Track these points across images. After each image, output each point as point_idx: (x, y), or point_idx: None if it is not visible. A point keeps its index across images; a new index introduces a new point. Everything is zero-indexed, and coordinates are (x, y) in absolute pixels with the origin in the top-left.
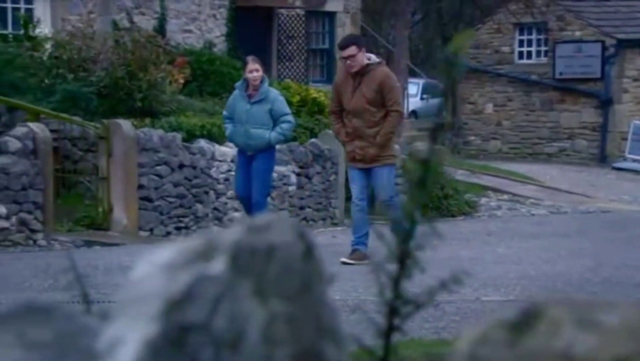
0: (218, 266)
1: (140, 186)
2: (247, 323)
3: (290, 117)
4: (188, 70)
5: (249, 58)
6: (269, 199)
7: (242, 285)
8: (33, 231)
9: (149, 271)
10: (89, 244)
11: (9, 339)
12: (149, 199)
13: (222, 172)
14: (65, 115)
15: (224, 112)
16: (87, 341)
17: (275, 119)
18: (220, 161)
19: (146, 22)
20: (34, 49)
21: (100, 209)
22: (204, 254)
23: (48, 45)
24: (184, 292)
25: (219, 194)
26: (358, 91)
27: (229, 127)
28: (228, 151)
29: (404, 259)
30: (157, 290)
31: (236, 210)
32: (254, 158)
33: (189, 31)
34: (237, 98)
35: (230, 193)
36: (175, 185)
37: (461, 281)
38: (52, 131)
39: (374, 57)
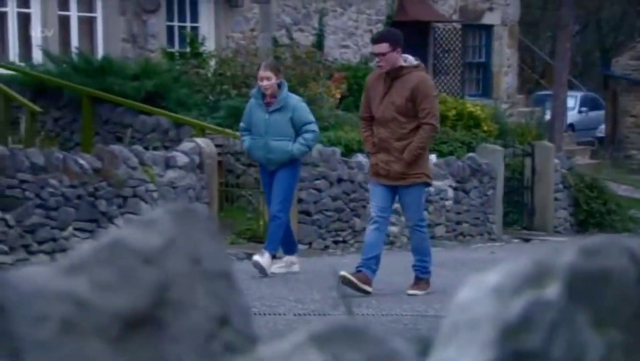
0: (553, 291)
1: (300, 200)
2: (585, 352)
3: (314, 126)
4: (345, 85)
5: (262, 64)
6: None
7: (577, 312)
8: None
9: (477, 295)
10: (250, 257)
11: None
12: (308, 213)
13: None
14: (229, 130)
15: (241, 124)
16: None
17: (297, 128)
18: None
19: (305, 39)
20: (200, 66)
21: (261, 223)
22: (536, 279)
23: (212, 62)
24: (519, 318)
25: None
26: (388, 97)
27: (246, 140)
28: None
29: None
30: (490, 315)
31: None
32: (277, 172)
33: (346, 46)
34: (253, 107)
35: None
36: (334, 199)
37: None
38: (216, 145)
39: (410, 59)
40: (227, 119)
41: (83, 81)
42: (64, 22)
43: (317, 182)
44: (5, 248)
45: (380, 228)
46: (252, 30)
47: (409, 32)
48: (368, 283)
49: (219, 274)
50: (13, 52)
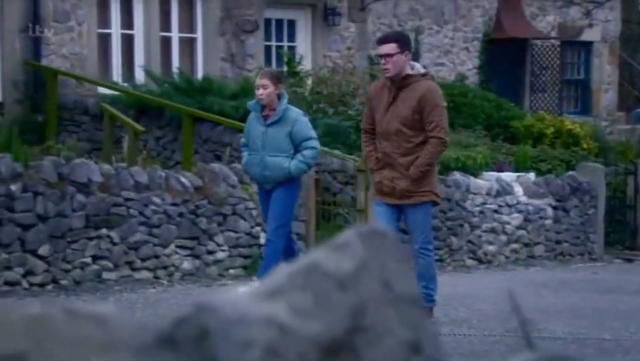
0: None
1: None
2: None
3: (314, 143)
4: None
5: (260, 72)
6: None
7: None
8: None
9: None
10: None
11: None
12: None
13: (477, 205)
14: (326, 148)
15: (242, 139)
16: None
17: (296, 144)
18: (475, 193)
19: None
20: (297, 85)
21: None
22: None
23: (309, 81)
24: None
25: (473, 227)
26: (393, 107)
27: (244, 156)
28: (483, 183)
29: None
30: None
31: (491, 243)
32: (273, 191)
33: (442, 64)
34: (252, 120)
35: (485, 225)
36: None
37: None
38: None
39: (418, 67)
40: (323, 138)
41: (184, 100)
42: (166, 43)
43: None
44: (110, 265)
45: None
46: (349, 48)
47: (507, 50)
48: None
49: (409, 299)
50: (116, 73)
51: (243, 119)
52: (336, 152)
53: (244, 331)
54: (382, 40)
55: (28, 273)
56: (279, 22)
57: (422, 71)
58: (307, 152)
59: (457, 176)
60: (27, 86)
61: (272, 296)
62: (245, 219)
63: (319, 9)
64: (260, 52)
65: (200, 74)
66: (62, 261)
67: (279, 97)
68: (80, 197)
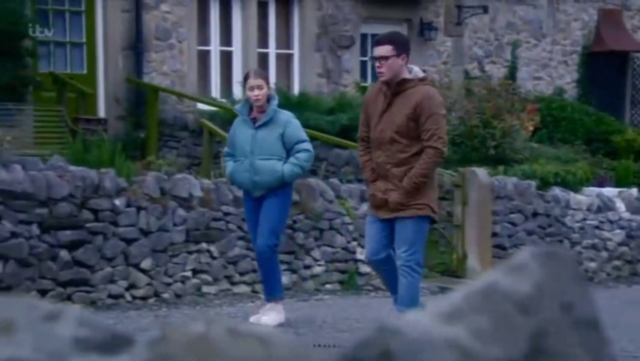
0: None
1: (494, 234)
2: None
3: (307, 145)
4: (537, 117)
5: (250, 72)
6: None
7: None
8: None
9: None
10: (444, 291)
11: None
12: (503, 247)
13: (577, 221)
14: None
15: (225, 149)
16: None
17: (288, 148)
18: (575, 209)
19: (497, 71)
20: None
21: (454, 256)
22: None
23: None
24: None
25: (573, 243)
26: (387, 114)
27: (228, 165)
28: (583, 199)
29: None
30: None
31: (592, 260)
32: (264, 199)
33: (539, 78)
34: (238, 125)
35: (586, 242)
36: (529, 233)
37: None
38: None
39: (416, 71)
40: None
41: None
42: (263, 59)
43: (512, 216)
44: (210, 279)
45: (380, 267)
46: (445, 63)
47: (607, 63)
48: None
49: (591, 323)
50: (215, 89)
51: (339, 134)
52: None
53: (427, 353)
54: (378, 42)
55: (131, 286)
56: (375, 37)
57: (421, 75)
58: (301, 155)
59: (557, 191)
60: (129, 103)
61: (452, 318)
62: (342, 234)
63: (415, 23)
64: (356, 67)
65: (296, 90)
66: (164, 274)
67: (269, 98)
68: (181, 211)
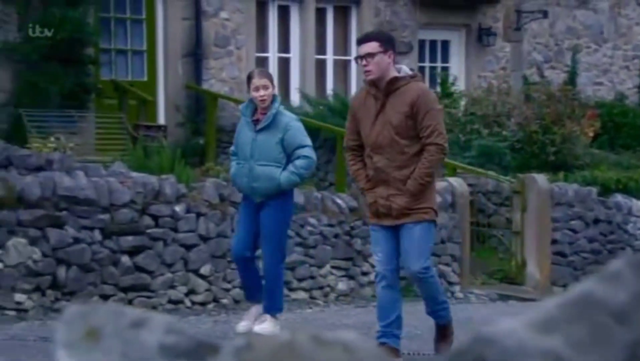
0: None
1: (554, 241)
2: None
3: (308, 151)
4: (598, 123)
5: (255, 71)
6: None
7: None
8: (450, 283)
9: None
10: (503, 298)
11: None
12: (563, 254)
13: (639, 228)
14: (480, 170)
15: (231, 148)
16: None
17: (288, 153)
18: (637, 216)
19: (556, 76)
20: (451, 105)
21: (513, 263)
22: None
23: (463, 102)
24: None
25: (636, 251)
26: (382, 116)
27: (233, 165)
28: None
29: None
30: None
31: None
32: (263, 208)
33: (600, 83)
34: (242, 126)
35: None
36: (590, 240)
37: None
38: (468, 185)
39: (405, 69)
40: (478, 159)
41: (338, 122)
42: (321, 66)
43: (573, 222)
44: None
45: (391, 283)
46: (503, 69)
47: None
48: (396, 354)
49: None
50: None
51: None
52: (491, 173)
53: None
54: (362, 40)
55: (190, 291)
56: (433, 43)
57: (410, 72)
58: (299, 162)
59: (619, 198)
60: (189, 110)
61: (547, 328)
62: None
63: (473, 29)
64: None
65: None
66: (223, 280)
67: (273, 100)
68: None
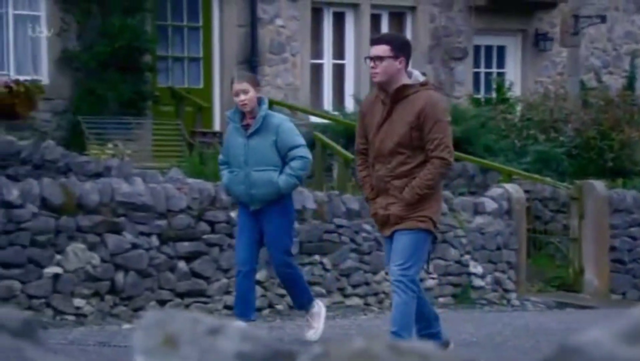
0: None
1: (612, 248)
2: None
3: (302, 150)
4: None
5: (235, 75)
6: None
7: None
8: (506, 290)
9: None
10: (560, 306)
11: None
12: (622, 262)
13: None
14: (536, 176)
15: (220, 157)
16: None
17: (282, 155)
18: None
19: (614, 81)
20: (507, 111)
21: (570, 271)
22: None
23: (519, 107)
24: None
25: None
26: (387, 124)
27: (224, 175)
28: None
29: None
30: None
31: None
32: (263, 215)
33: None
34: (231, 133)
35: None
36: None
37: None
38: (524, 191)
39: (417, 75)
40: (534, 164)
41: None
42: None
43: (632, 229)
44: (323, 291)
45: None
46: (560, 74)
47: None
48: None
49: None
50: (327, 102)
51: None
52: (547, 179)
53: None
54: (374, 41)
55: None
56: (488, 48)
57: (421, 79)
58: (295, 164)
59: None
60: None
61: (636, 338)
62: (455, 247)
63: (530, 34)
64: (469, 79)
65: None
66: (278, 286)
67: (259, 102)
68: (295, 224)
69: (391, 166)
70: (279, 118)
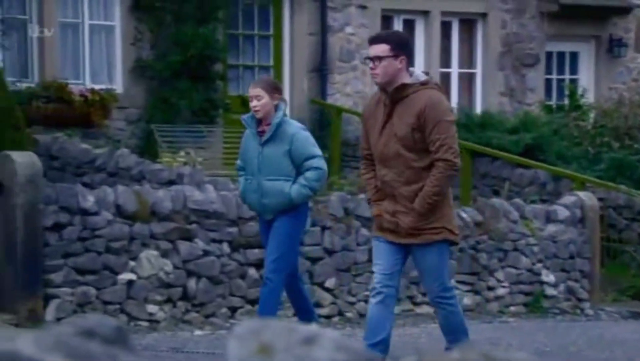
0: None
1: None
2: None
3: (318, 162)
4: None
5: (253, 81)
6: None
7: None
8: (580, 300)
9: None
10: (635, 316)
11: None
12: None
13: None
14: (610, 183)
15: (237, 162)
16: None
17: (297, 165)
18: None
19: None
20: (580, 118)
21: None
22: None
23: (592, 114)
24: None
25: None
26: (388, 126)
27: (241, 181)
28: None
29: None
30: None
31: None
32: (274, 222)
33: None
34: (248, 139)
35: None
36: None
37: None
38: (598, 199)
39: (418, 74)
40: (608, 172)
41: (463, 135)
42: (446, 79)
43: None
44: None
45: (386, 301)
46: (635, 80)
47: None
48: None
49: None
50: None
51: (523, 153)
52: (622, 187)
53: None
54: (372, 40)
55: (316, 305)
56: (561, 54)
57: (422, 78)
58: (309, 174)
59: None
60: (314, 124)
61: None
62: (526, 256)
63: (604, 40)
64: (541, 85)
65: (479, 109)
66: (348, 293)
67: (276, 109)
68: (364, 231)
69: (398, 170)
70: (295, 127)
